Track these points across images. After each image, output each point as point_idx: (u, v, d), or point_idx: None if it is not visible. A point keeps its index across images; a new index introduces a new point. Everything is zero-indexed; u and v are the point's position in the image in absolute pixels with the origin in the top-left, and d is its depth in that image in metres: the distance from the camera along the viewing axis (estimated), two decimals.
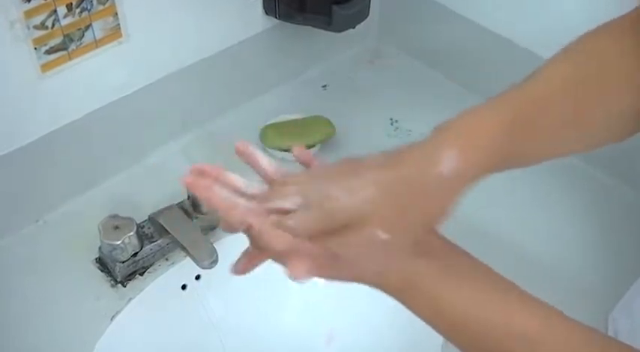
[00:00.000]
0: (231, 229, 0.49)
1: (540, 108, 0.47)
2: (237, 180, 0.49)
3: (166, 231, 0.74)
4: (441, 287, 0.45)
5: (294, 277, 0.43)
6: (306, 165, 0.52)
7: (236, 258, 0.81)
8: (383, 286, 0.46)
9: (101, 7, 0.73)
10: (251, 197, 0.48)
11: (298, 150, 0.52)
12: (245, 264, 0.51)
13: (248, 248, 0.50)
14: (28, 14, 0.67)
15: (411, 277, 0.45)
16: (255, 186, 0.50)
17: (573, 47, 0.51)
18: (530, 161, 0.50)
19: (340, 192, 0.43)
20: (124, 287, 0.75)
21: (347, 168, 0.45)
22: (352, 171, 0.44)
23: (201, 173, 0.49)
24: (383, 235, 0.41)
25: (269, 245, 0.45)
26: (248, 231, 0.47)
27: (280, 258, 0.46)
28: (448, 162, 0.42)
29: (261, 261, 0.50)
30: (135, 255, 0.74)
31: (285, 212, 0.45)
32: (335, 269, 0.45)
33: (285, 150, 0.91)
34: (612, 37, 0.51)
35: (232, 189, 0.48)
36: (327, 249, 0.43)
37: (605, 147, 0.87)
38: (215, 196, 0.47)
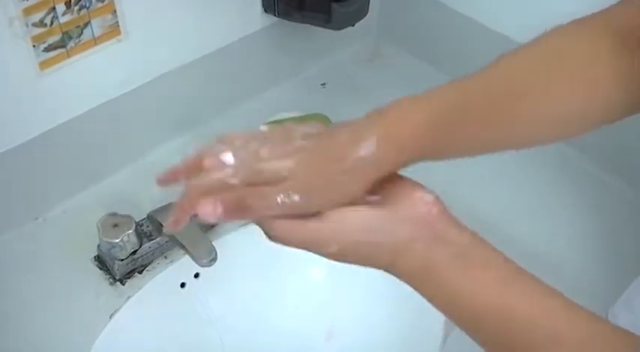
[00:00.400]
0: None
1: (477, 103, 0.49)
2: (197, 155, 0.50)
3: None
4: (462, 275, 0.44)
5: (202, 214, 0.45)
6: None
7: (235, 256, 0.81)
8: (396, 270, 0.46)
9: (100, 5, 0.73)
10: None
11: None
12: (179, 218, 0.50)
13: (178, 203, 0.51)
14: (27, 11, 0.67)
15: (427, 263, 0.45)
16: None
17: (531, 43, 0.51)
18: (464, 153, 0.51)
19: (268, 153, 0.47)
20: (123, 285, 0.75)
21: (284, 132, 0.49)
22: (286, 136, 0.48)
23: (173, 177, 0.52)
24: (294, 195, 0.44)
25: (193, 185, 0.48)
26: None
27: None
28: (364, 147, 0.45)
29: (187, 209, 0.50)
30: (134, 253, 0.74)
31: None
32: (241, 211, 0.46)
33: None
34: (575, 33, 0.52)
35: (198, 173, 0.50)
36: (241, 196, 0.45)
37: (606, 145, 0.87)
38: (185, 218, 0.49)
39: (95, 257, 0.77)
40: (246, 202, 0.45)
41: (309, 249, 0.46)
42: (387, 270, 0.47)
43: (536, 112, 0.50)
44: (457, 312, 0.46)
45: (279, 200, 0.44)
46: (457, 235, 0.46)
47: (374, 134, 0.46)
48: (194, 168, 0.49)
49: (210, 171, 0.48)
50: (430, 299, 0.46)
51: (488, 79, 0.50)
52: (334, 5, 0.85)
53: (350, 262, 0.47)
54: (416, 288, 0.46)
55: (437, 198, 0.47)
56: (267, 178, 0.46)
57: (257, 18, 0.93)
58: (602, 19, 0.53)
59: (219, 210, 0.45)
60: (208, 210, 0.45)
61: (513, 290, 0.44)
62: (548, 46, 0.51)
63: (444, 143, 0.48)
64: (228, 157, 0.48)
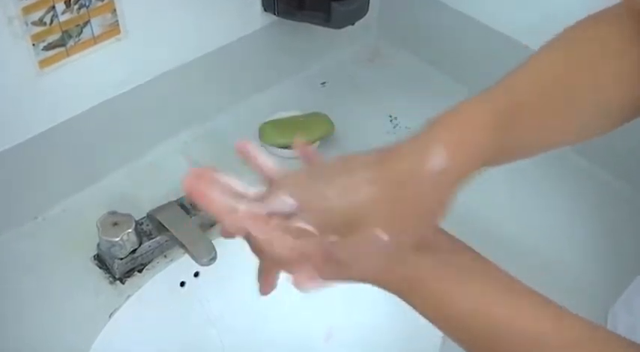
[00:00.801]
0: (229, 235, 0.48)
1: (531, 99, 0.47)
2: (235, 183, 0.48)
3: (165, 228, 0.74)
4: (446, 283, 0.44)
5: (299, 286, 0.43)
6: (307, 160, 0.51)
7: (235, 256, 0.81)
8: (385, 284, 0.46)
9: (99, 4, 0.72)
10: (249, 201, 0.47)
11: (300, 144, 0.51)
12: (265, 283, 0.50)
13: (259, 267, 0.49)
14: (27, 10, 0.67)
15: (415, 274, 0.44)
16: (253, 188, 0.48)
17: (568, 34, 0.51)
18: (525, 153, 0.50)
19: (335, 192, 0.43)
20: (123, 284, 0.75)
21: (341, 166, 0.45)
22: (346, 170, 0.44)
23: (199, 176, 0.48)
24: (382, 235, 0.41)
25: (270, 249, 0.45)
26: (247, 237, 0.47)
27: (283, 263, 0.45)
28: (437, 158, 0.42)
29: (273, 271, 0.49)
30: (133, 251, 0.74)
31: (283, 216, 0.45)
32: (337, 272, 0.44)
33: (284, 147, 0.90)
34: (610, 23, 0.51)
35: (231, 192, 0.47)
36: (328, 252, 0.43)
37: (606, 144, 0.87)
38: (213, 201, 0.46)
39: (95, 256, 0.77)
40: (336, 257, 0.43)
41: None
42: (373, 283, 0.46)
43: (589, 103, 0.49)
44: (443, 320, 0.45)
45: (369, 245, 0.42)
46: (443, 243, 0.46)
47: (441, 144, 0.42)
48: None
49: (280, 225, 0.44)
50: (419, 310, 0.46)
51: (535, 74, 0.49)
52: (334, 4, 0.85)
53: (342, 282, 0.46)
54: (405, 299, 0.46)
55: None
56: (341, 220, 0.43)
57: (257, 17, 0.93)
58: (629, 3, 0.52)
59: (314, 274, 0.43)
60: (304, 276, 0.43)
61: (499, 298, 0.44)
62: (584, 37, 0.51)
63: (511, 143, 0.47)
64: (290, 203, 0.44)
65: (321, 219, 0.43)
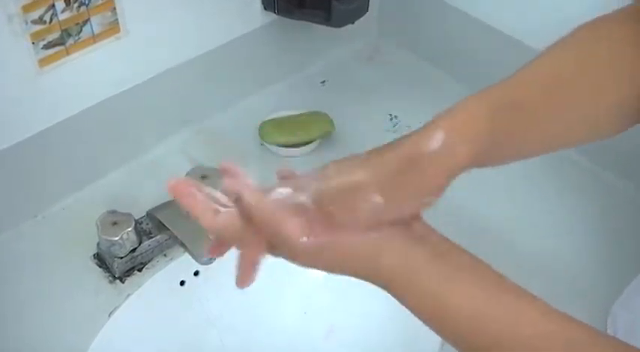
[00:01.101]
0: (215, 251, 0.53)
1: (530, 97, 0.48)
2: (218, 195, 0.50)
3: (165, 226, 0.74)
4: (434, 275, 0.44)
5: (293, 238, 0.44)
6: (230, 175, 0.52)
7: (234, 254, 0.81)
8: (375, 275, 0.46)
9: (99, 2, 0.72)
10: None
11: (227, 164, 0.52)
12: (245, 271, 0.50)
13: (239, 257, 0.50)
14: (27, 8, 0.67)
15: (405, 262, 0.44)
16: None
17: (578, 33, 0.51)
18: (522, 152, 0.51)
19: (335, 173, 0.46)
20: (122, 283, 0.75)
21: (340, 162, 0.48)
22: (345, 161, 0.47)
23: (186, 181, 0.49)
24: (377, 198, 0.43)
25: (263, 210, 0.46)
26: (237, 202, 0.48)
27: (276, 223, 0.46)
28: (434, 139, 0.44)
29: (256, 256, 0.49)
30: (133, 250, 0.74)
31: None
32: (329, 234, 0.45)
33: (284, 146, 0.90)
34: (612, 26, 0.51)
35: (213, 198, 0.49)
36: (323, 208, 0.44)
37: (608, 144, 0.87)
38: (197, 200, 0.48)
39: (94, 255, 0.77)
40: (334, 219, 0.44)
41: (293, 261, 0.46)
42: (366, 276, 0.46)
43: (585, 107, 0.50)
44: (428, 313, 0.45)
45: (365, 207, 0.43)
46: (435, 237, 0.46)
47: (441, 128, 0.44)
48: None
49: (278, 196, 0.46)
50: (409, 305, 0.45)
51: (534, 77, 0.50)
52: (334, 3, 0.85)
53: (333, 271, 0.47)
54: (396, 293, 0.46)
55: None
56: (340, 194, 0.44)
57: (257, 15, 0.92)
58: (635, 7, 0.52)
59: (307, 229, 0.44)
60: (296, 230, 0.44)
61: (487, 295, 0.44)
62: (585, 41, 0.51)
63: (506, 141, 0.47)
64: (286, 190, 0.46)
65: (321, 192, 0.45)
